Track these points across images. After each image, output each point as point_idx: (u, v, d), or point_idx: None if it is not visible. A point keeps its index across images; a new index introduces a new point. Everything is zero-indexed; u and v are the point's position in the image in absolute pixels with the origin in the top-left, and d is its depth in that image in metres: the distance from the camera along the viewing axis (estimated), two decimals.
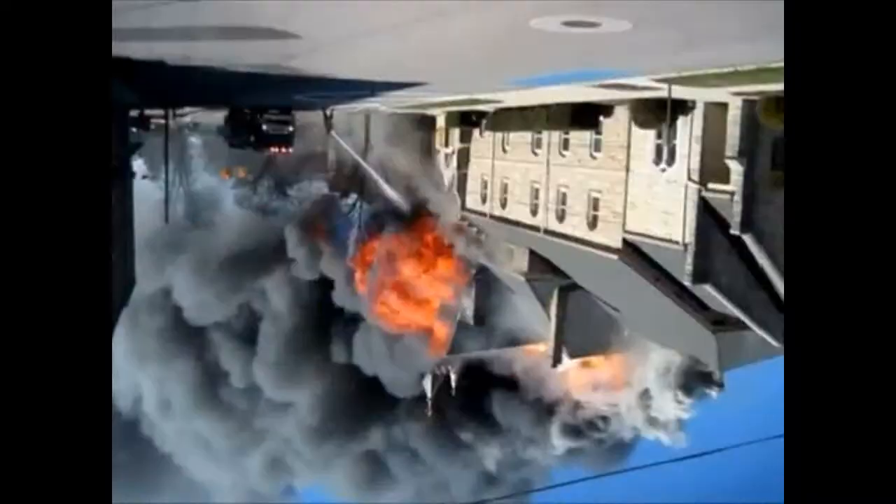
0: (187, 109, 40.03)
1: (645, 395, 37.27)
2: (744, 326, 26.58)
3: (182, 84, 18.79)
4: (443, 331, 42.52)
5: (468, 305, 41.24)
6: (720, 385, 32.80)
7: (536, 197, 32.76)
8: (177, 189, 52.79)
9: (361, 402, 46.36)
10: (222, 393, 51.41)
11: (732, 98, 21.19)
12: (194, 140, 60.27)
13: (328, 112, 37.31)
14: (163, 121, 34.75)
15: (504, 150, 35.63)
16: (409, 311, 43.36)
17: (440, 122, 40.45)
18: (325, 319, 47.75)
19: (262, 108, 32.42)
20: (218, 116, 41.03)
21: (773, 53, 12.59)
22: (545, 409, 42.45)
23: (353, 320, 46.40)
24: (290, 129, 33.89)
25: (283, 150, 35.59)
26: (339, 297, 46.44)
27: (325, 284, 47.33)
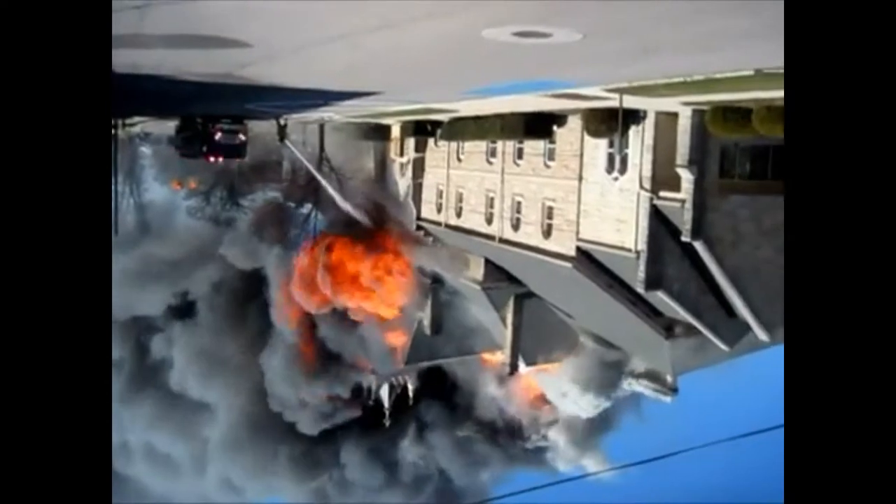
0: (136, 119, 39.36)
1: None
2: (696, 332, 27.05)
3: (131, 93, 18.47)
4: (399, 341, 42.38)
5: (425, 315, 41.21)
6: (674, 390, 33.23)
7: (491, 206, 32.93)
8: (127, 200, 51.80)
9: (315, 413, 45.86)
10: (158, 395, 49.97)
11: (682, 108, 21.60)
12: (144, 150, 59.27)
13: (282, 121, 37.04)
14: (111, 131, 34.10)
15: (459, 160, 35.77)
16: (363, 321, 43.12)
17: (395, 131, 40.43)
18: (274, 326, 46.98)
19: (214, 117, 32.04)
20: (169, 126, 40.41)
21: (720, 64, 12.89)
22: (503, 417, 42.55)
23: (306, 328, 45.96)
24: (243, 138, 33.55)
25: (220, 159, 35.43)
26: (290, 306, 45.86)
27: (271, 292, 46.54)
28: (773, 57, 9.97)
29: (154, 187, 56.65)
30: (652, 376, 33.48)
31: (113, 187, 37.40)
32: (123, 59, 12.22)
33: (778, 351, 28.13)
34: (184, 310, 50.13)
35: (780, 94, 15.58)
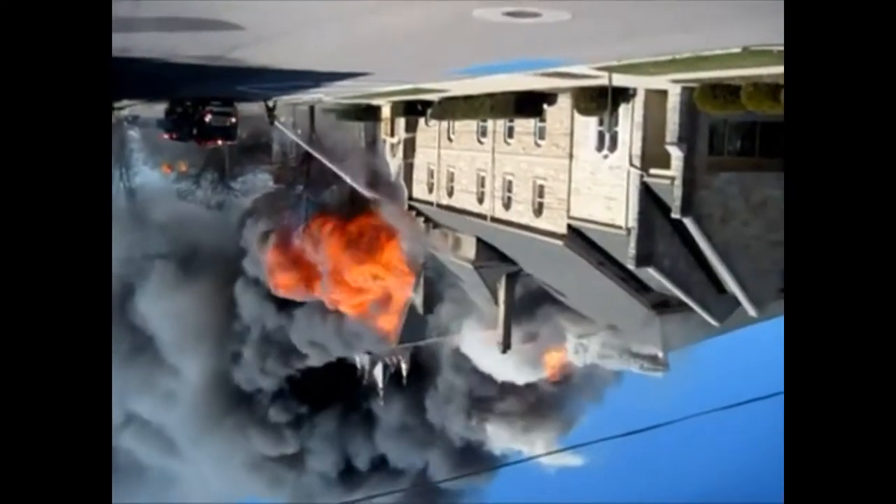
0: (126, 102, 39.18)
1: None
2: (686, 307, 27.31)
3: (121, 76, 18.43)
4: (392, 320, 42.58)
5: (417, 294, 41.39)
6: (664, 365, 33.55)
7: (482, 185, 33.00)
8: (116, 184, 51.62)
9: (314, 392, 46.22)
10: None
11: (671, 85, 21.67)
12: (134, 133, 58.97)
13: (271, 103, 36.91)
14: (111, 114, 33.92)
15: (450, 139, 35.77)
16: (356, 302, 43.32)
17: (385, 111, 40.35)
18: (272, 308, 47.18)
19: (204, 99, 31.94)
20: (158, 109, 40.22)
21: (707, 42, 13.00)
22: (495, 394, 42.93)
23: (301, 309, 46.19)
24: (233, 120, 33.46)
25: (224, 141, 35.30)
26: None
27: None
28: (755, 36, 10.08)
29: (144, 171, 56.52)
30: (642, 353, 33.79)
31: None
32: (114, 42, 12.24)
33: (767, 326, 28.51)
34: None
35: (768, 70, 15.70)
